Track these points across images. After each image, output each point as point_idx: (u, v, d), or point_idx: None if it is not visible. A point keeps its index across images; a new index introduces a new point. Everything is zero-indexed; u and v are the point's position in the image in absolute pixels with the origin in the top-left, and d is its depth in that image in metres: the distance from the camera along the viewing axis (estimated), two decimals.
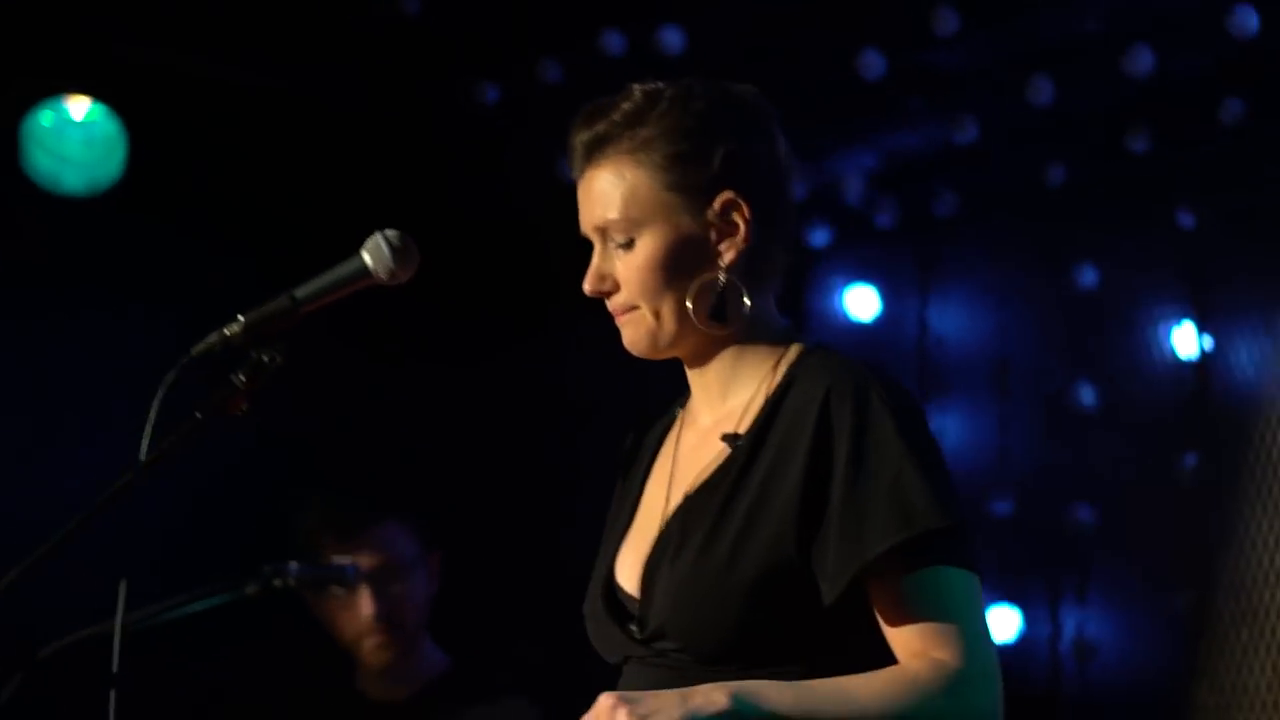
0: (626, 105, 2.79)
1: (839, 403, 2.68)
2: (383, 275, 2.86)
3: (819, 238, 6.19)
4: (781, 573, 2.65)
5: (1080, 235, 5.85)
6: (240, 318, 2.87)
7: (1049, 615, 5.83)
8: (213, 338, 2.88)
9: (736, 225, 2.78)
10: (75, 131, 5.96)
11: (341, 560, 4.44)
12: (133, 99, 5.96)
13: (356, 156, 6.11)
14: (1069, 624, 5.82)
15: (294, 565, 4.22)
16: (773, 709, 2.55)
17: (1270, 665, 5.45)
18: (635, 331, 2.82)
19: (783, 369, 2.80)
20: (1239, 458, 5.57)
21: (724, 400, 2.84)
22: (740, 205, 2.77)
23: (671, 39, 5.60)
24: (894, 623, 2.64)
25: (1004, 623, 5.85)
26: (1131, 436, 5.80)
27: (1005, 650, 5.66)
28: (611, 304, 2.84)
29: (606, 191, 2.78)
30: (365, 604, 4.77)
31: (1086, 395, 5.82)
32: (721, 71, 5.43)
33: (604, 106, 2.82)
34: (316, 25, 5.95)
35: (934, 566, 2.62)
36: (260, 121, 6.09)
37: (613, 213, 2.78)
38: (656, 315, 2.79)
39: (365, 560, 4.70)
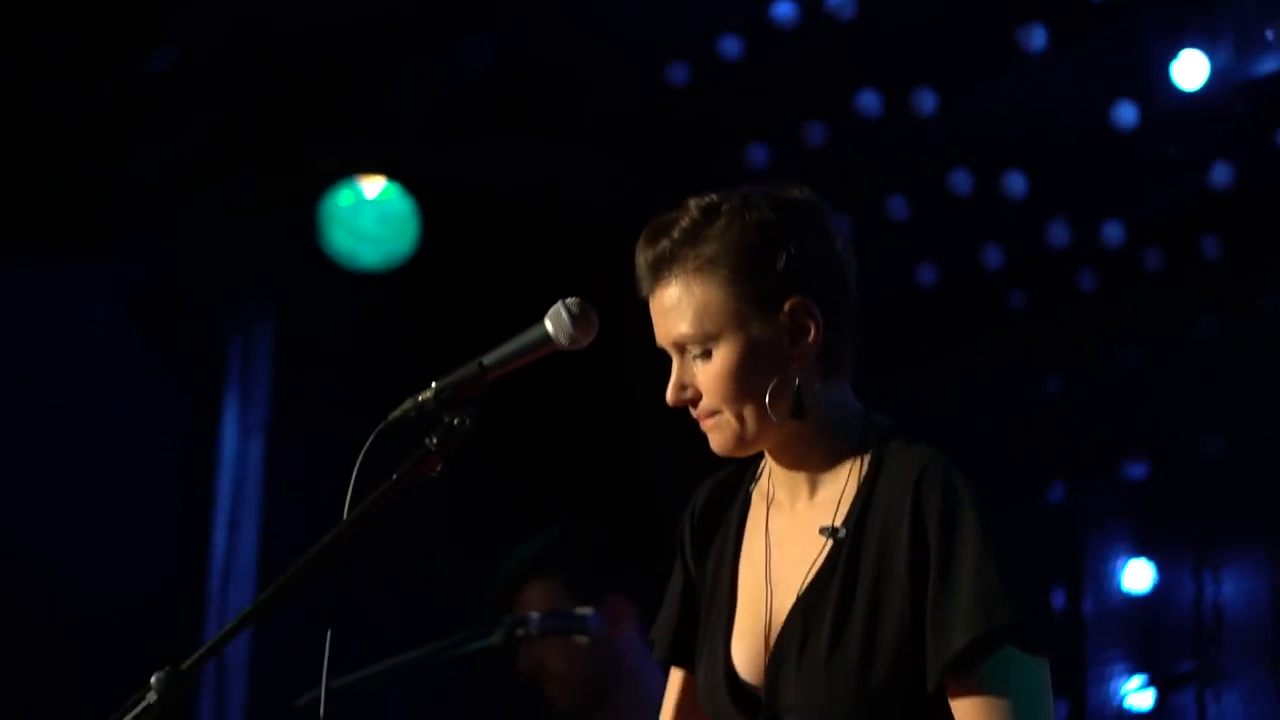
0: (685, 222, 2.90)
1: (929, 493, 2.80)
2: (564, 341, 2.98)
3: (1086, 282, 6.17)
4: (913, 661, 2.79)
5: None
6: (433, 384, 3.01)
7: None
8: (408, 404, 3.02)
9: (807, 326, 2.87)
10: (370, 209, 6.29)
11: (584, 610, 4.56)
12: (424, 176, 6.29)
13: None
14: None
15: (535, 616, 4.38)
16: None
17: None
18: (721, 435, 2.91)
19: (869, 455, 2.90)
20: None
21: (813, 490, 2.95)
22: (809, 307, 2.87)
23: (926, 102, 5.73)
24: (961, 708, 2.77)
25: None
26: None
27: None
28: (696, 412, 2.92)
29: (678, 308, 2.89)
30: (521, 658, 4.86)
31: None
32: (977, 130, 5.60)
33: (664, 224, 2.92)
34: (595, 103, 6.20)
35: (1002, 656, 2.75)
36: (547, 197, 6.35)
37: (686, 328, 2.88)
38: (740, 418, 2.88)
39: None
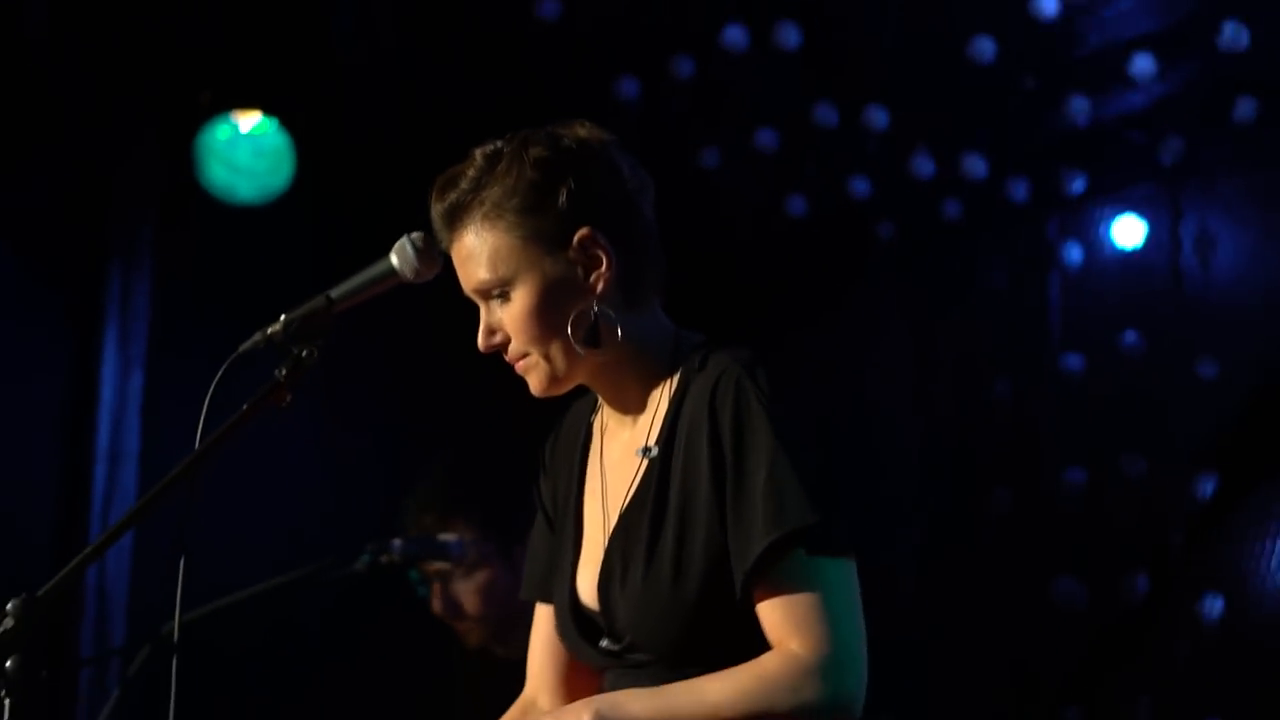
0: (471, 171, 2.96)
1: (722, 403, 2.87)
2: (408, 274, 3.05)
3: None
4: (723, 573, 2.85)
5: None
6: (282, 317, 3.08)
7: None
8: (257, 336, 3.10)
9: (598, 257, 2.94)
10: (246, 144, 6.32)
11: (447, 537, 4.56)
12: (299, 111, 6.33)
13: None
14: None
15: (397, 543, 4.39)
16: (634, 718, 2.79)
17: None
18: (535, 376, 2.98)
19: (677, 375, 2.98)
20: None
21: (635, 415, 3.03)
22: (596, 238, 2.93)
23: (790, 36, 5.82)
24: (764, 614, 2.83)
25: None
26: None
27: None
28: (507, 356, 3.00)
29: (473, 256, 2.96)
30: (434, 602, 4.79)
31: None
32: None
33: (453, 176, 2.98)
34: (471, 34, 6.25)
35: (799, 558, 2.79)
36: (424, 128, 6.39)
37: (483, 273, 2.96)
38: (547, 357, 2.96)
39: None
